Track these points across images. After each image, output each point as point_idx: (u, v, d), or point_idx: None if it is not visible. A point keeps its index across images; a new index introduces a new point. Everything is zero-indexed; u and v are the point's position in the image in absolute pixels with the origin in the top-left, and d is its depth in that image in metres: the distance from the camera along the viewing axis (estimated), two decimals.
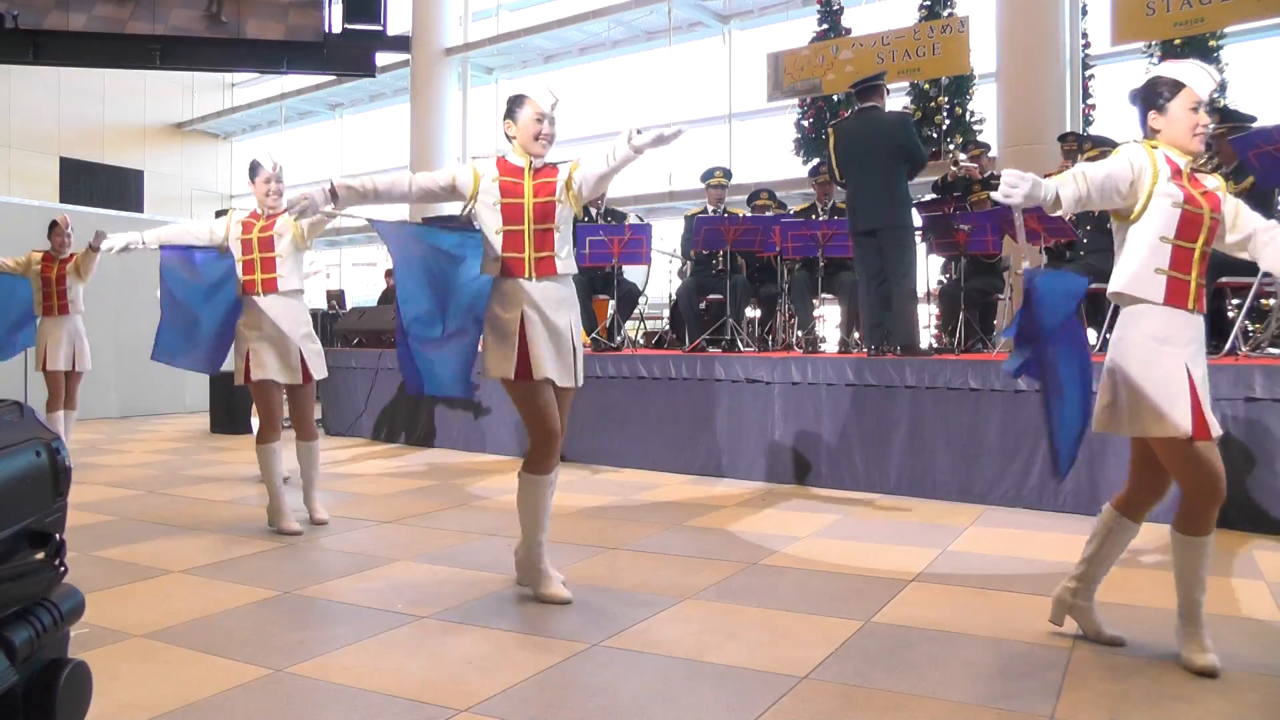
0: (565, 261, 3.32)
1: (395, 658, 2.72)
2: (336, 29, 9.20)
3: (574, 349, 3.34)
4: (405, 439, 7.91)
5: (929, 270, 7.50)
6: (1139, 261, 2.60)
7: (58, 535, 1.07)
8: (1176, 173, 2.61)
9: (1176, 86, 2.63)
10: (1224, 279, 5.20)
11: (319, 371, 4.51)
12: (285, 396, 4.56)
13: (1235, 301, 5.79)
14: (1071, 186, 2.55)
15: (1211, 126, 2.65)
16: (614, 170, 3.22)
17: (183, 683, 2.51)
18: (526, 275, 3.26)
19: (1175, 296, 2.57)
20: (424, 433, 7.78)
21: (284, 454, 4.54)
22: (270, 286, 4.39)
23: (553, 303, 3.28)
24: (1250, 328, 5.78)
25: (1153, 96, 2.67)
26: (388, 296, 12.51)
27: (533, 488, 3.30)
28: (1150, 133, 2.70)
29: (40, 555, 1.06)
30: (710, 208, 7.37)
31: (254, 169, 4.43)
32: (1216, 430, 2.56)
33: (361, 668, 2.63)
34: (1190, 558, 2.58)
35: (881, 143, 5.84)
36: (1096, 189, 2.56)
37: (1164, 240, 2.58)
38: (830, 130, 6.45)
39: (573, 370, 3.33)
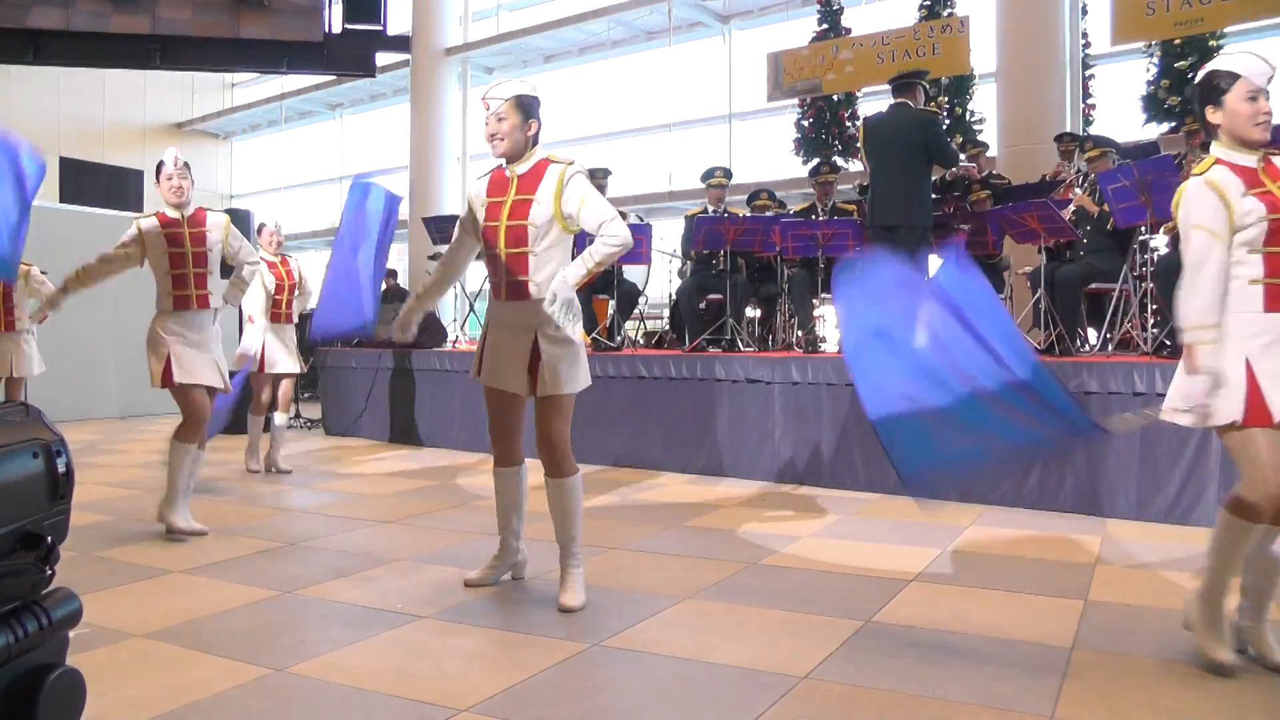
0: (540, 287, 3.08)
1: (395, 658, 2.72)
2: (336, 29, 9.20)
3: (544, 360, 3.11)
4: (405, 439, 7.90)
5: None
6: None
7: (49, 539, 1.06)
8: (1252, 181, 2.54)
9: (1232, 78, 2.58)
10: None
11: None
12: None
13: None
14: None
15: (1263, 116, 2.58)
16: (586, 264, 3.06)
17: (183, 683, 2.51)
18: (500, 298, 3.22)
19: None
20: (424, 433, 7.78)
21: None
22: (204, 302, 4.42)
23: (520, 328, 3.16)
24: None
25: (1209, 91, 2.62)
26: (388, 296, 12.50)
27: (496, 480, 3.46)
28: (1211, 129, 2.65)
29: (30, 557, 1.04)
30: (710, 208, 7.37)
31: (158, 168, 4.39)
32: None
33: (361, 668, 2.63)
34: (1224, 539, 2.55)
35: (905, 139, 5.85)
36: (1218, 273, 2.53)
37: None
38: (860, 126, 6.44)
39: (526, 380, 3.15)
